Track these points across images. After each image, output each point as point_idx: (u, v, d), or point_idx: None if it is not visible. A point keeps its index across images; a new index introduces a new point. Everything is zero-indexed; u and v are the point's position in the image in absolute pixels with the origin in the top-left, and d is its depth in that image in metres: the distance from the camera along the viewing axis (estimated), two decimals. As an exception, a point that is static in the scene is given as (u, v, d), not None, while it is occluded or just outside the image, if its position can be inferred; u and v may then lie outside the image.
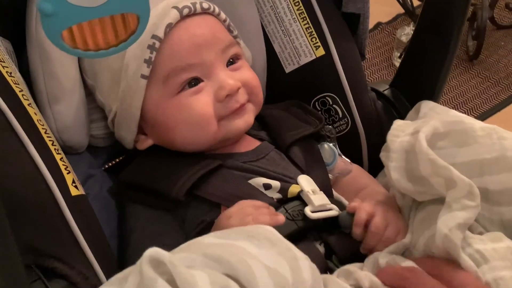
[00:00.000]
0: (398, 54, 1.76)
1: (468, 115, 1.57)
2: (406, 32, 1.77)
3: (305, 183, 0.70)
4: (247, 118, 0.75)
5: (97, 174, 0.79)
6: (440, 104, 0.84)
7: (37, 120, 0.65)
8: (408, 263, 0.59)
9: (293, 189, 0.71)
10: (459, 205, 0.57)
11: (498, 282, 0.54)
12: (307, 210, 0.67)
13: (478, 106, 1.64)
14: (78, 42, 0.42)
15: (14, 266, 0.48)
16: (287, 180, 0.72)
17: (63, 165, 0.64)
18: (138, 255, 0.54)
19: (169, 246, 0.62)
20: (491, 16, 1.87)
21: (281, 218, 0.63)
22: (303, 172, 0.74)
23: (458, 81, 1.73)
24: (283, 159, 0.77)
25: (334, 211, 0.69)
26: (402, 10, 1.98)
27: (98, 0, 0.41)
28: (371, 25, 1.97)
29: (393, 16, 2.01)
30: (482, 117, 1.58)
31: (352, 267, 0.62)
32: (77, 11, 0.41)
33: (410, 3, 1.94)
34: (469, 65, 1.79)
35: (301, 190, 0.69)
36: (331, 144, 0.79)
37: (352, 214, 0.67)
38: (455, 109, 1.44)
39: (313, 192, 0.69)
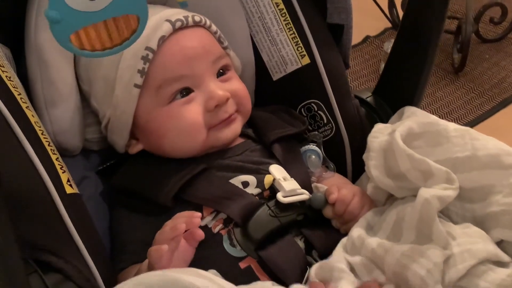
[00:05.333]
0: (386, 66, 1.81)
1: (453, 125, 1.61)
2: (393, 45, 1.82)
3: (276, 171, 0.74)
4: (235, 128, 0.80)
5: (91, 176, 0.83)
6: (427, 113, 0.88)
7: (34, 122, 0.68)
8: (375, 240, 0.62)
9: (268, 179, 0.75)
10: (439, 186, 0.61)
11: (464, 255, 0.58)
12: (279, 196, 0.71)
13: (463, 116, 1.69)
14: (85, 44, 0.46)
15: (13, 257, 0.51)
16: (263, 173, 0.76)
17: (58, 164, 0.68)
18: (116, 260, 0.72)
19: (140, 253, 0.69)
20: (476, 30, 1.92)
21: (196, 221, 0.66)
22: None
23: (444, 92, 1.78)
24: (264, 155, 0.81)
25: (305, 195, 0.73)
26: (389, 25, 2.04)
27: (99, 4, 0.45)
28: (360, 38, 2.03)
29: (381, 30, 2.06)
30: (467, 126, 1.61)
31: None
32: (81, 16, 0.45)
33: (397, 18, 2.00)
34: (454, 77, 1.84)
35: (274, 179, 0.73)
36: (317, 149, 0.83)
37: (323, 193, 0.72)
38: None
39: (284, 179, 0.73)
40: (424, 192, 0.60)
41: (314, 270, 0.65)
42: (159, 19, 0.75)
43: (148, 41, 0.74)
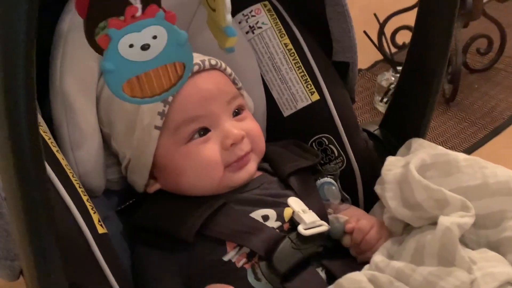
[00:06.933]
0: (380, 98, 1.86)
1: (448, 153, 1.65)
2: (386, 78, 1.87)
3: (295, 204, 0.77)
4: (250, 169, 0.82)
5: (112, 216, 0.85)
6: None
7: (65, 165, 0.71)
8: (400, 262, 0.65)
9: (287, 212, 0.78)
10: (457, 214, 0.64)
11: (486, 278, 0.61)
12: (300, 228, 0.74)
13: (457, 145, 1.73)
14: (136, 92, 0.49)
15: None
16: (282, 206, 0.79)
17: (89, 205, 0.70)
18: None
19: None
20: (464, 61, 1.99)
21: None
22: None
23: (437, 122, 1.83)
24: (281, 187, 0.84)
25: (325, 226, 0.76)
26: (380, 57, 2.10)
27: (151, 54, 0.48)
28: (352, 71, 2.09)
29: (372, 63, 2.12)
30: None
31: None
32: (134, 66, 0.48)
33: (388, 50, 2.06)
34: (446, 107, 1.89)
35: (294, 211, 0.76)
36: (333, 181, 0.87)
37: (342, 223, 0.76)
38: (437, 148, 1.53)
39: (303, 211, 0.76)
40: (445, 220, 0.64)
41: None
42: None
43: None
